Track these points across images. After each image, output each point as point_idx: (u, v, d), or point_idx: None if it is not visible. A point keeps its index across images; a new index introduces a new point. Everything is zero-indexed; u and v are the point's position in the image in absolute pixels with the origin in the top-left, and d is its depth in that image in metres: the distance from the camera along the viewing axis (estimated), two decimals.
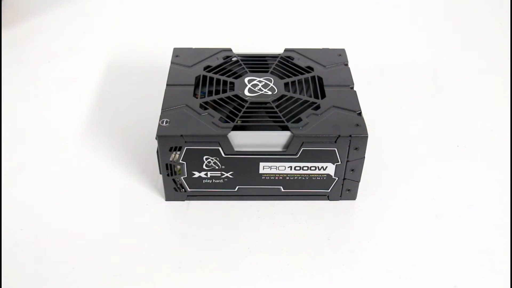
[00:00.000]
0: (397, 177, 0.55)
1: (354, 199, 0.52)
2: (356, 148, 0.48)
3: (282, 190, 0.51)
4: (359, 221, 0.50)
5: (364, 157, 0.49)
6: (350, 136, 0.47)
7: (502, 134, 0.60)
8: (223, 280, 0.45)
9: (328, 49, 0.58)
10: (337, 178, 0.50)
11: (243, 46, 0.57)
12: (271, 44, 0.73)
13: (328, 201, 0.52)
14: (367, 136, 0.47)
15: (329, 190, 0.51)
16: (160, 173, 0.50)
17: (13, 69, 0.70)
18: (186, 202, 0.52)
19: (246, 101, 0.50)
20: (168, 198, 0.52)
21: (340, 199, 0.52)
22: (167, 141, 0.47)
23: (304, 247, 0.48)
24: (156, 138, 0.47)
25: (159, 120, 0.48)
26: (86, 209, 0.51)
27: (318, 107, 0.50)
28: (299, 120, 0.48)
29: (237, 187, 0.51)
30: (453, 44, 0.77)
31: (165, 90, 0.52)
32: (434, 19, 0.83)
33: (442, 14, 0.84)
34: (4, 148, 0.57)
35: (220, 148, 0.47)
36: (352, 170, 0.49)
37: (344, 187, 0.51)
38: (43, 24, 0.79)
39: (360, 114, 0.49)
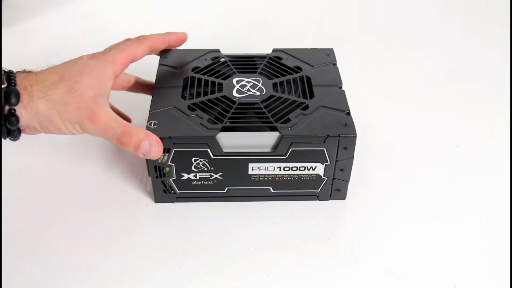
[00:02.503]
0: (397, 177, 0.55)
1: (344, 199, 0.52)
2: (345, 148, 0.48)
3: (272, 190, 0.51)
4: (359, 221, 0.50)
5: (353, 156, 0.48)
6: (339, 136, 0.47)
7: (502, 134, 0.60)
8: (223, 280, 0.45)
9: (316, 49, 0.58)
10: (326, 178, 0.50)
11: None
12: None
13: (327, 202, 0.52)
14: (355, 136, 0.47)
15: (318, 190, 0.51)
16: (149, 175, 0.50)
17: (13, 69, 0.70)
18: (185, 201, 0.52)
19: (234, 102, 0.50)
20: (158, 200, 0.51)
21: (330, 199, 0.52)
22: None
23: (304, 247, 0.48)
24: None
25: (147, 122, 0.48)
26: (85, 210, 0.51)
27: (306, 107, 0.49)
28: (288, 120, 0.48)
29: (227, 188, 0.50)
30: (453, 44, 0.77)
31: (153, 91, 0.52)
32: (434, 19, 0.83)
33: (442, 14, 0.84)
34: (4, 148, 0.57)
35: (208, 150, 0.47)
36: (342, 169, 0.49)
37: (333, 187, 0.51)
38: (43, 24, 0.79)
39: (348, 113, 0.49)
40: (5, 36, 0.76)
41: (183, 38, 0.55)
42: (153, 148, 0.45)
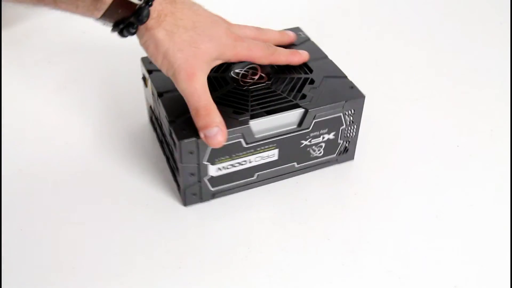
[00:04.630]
0: (397, 176, 0.55)
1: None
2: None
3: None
4: (359, 221, 0.50)
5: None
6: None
7: (502, 134, 0.60)
8: (223, 280, 0.45)
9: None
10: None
11: None
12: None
13: (327, 202, 0.52)
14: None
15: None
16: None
17: (13, 69, 0.70)
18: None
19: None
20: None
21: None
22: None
23: (304, 247, 0.48)
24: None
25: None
26: (86, 210, 0.51)
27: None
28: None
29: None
30: (453, 44, 0.77)
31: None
32: (434, 19, 0.83)
33: (442, 14, 0.84)
34: (4, 148, 0.57)
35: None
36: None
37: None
38: (43, 24, 0.79)
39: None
40: (5, 36, 0.76)
41: (305, 60, 0.55)
42: (219, 136, 0.45)
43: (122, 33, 0.46)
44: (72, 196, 0.52)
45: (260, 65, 0.54)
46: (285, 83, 0.52)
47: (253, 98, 0.50)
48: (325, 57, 0.57)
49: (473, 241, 0.49)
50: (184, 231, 0.49)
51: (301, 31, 0.60)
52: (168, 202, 0.52)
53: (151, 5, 0.44)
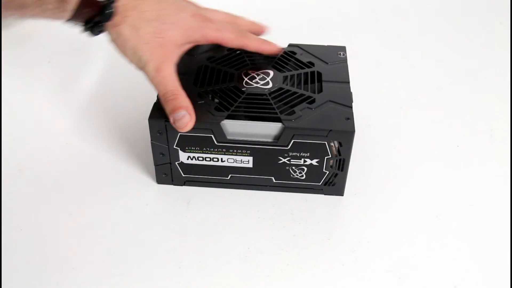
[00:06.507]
0: (397, 177, 0.55)
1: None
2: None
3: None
4: (359, 221, 0.50)
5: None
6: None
7: (502, 134, 0.60)
8: (223, 280, 0.45)
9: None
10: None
11: None
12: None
13: (327, 202, 0.52)
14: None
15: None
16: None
17: (13, 69, 0.70)
18: (186, 201, 0.52)
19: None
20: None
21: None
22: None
23: (304, 247, 0.48)
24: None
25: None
26: (86, 210, 0.51)
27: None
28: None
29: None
30: (453, 44, 0.77)
31: None
32: (434, 19, 0.83)
33: (442, 14, 0.84)
34: (4, 148, 0.57)
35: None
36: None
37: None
38: (43, 24, 0.79)
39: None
40: (5, 36, 0.76)
41: (276, 52, 0.55)
42: (185, 118, 0.46)
43: (92, 32, 0.47)
44: (72, 196, 0.52)
45: (273, 73, 0.53)
46: (284, 95, 0.51)
47: (242, 101, 0.50)
48: (346, 82, 0.53)
49: (473, 241, 0.48)
50: (184, 231, 0.49)
51: (345, 51, 0.58)
52: (168, 203, 0.52)
53: (113, 1, 0.45)
